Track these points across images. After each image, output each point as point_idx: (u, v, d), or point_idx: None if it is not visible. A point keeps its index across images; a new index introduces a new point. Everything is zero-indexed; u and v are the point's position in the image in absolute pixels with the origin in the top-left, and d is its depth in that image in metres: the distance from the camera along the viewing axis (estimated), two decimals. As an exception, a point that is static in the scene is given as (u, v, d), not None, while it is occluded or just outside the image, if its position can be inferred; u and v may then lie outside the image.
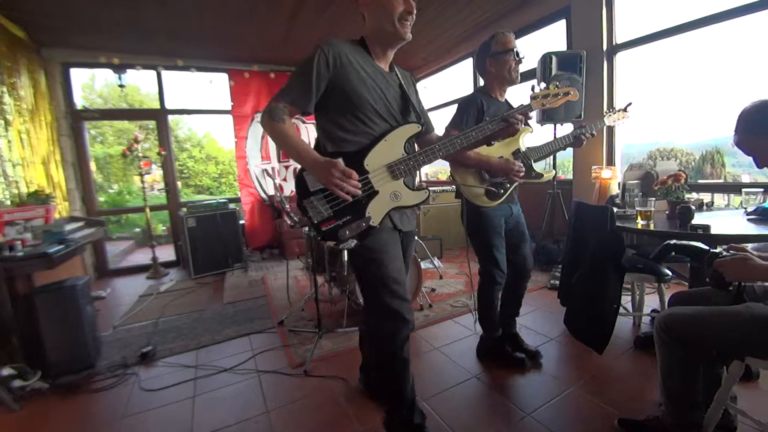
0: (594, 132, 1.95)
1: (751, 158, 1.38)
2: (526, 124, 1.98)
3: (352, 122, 1.31)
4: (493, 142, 1.79)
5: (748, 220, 1.89)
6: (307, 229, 2.73)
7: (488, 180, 1.89)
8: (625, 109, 2.05)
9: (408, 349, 1.43)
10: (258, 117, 5.03)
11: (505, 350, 2.09)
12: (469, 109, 1.87)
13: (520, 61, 1.89)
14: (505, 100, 2.01)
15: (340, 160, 1.23)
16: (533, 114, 3.42)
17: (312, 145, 1.35)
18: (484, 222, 1.92)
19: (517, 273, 2.07)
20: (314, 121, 1.39)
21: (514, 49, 1.86)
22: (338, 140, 1.32)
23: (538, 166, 1.99)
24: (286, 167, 5.45)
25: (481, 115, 1.87)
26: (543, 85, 1.41)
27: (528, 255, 2.08)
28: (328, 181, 1.20)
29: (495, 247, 1.94)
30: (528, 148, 1.97)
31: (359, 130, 1.32)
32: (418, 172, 1.83)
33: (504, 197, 1.91)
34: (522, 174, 1.86)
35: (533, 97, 1.47)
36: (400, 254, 1.44)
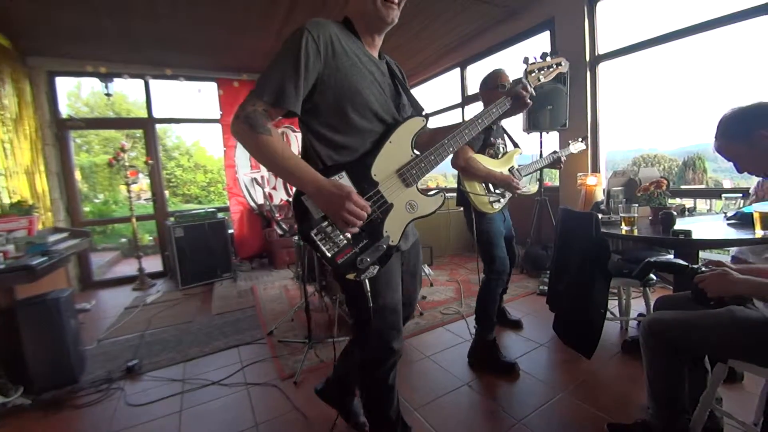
0: (565, 157, 2.44)
1: (731, 163, 1.42)
2: (515, 143, 2.44)
3: (350, 124, 1.10)
4: (500, 156, 2.30)
5: (728, 224, 1.94)
6: (296, 237, 2.72)
7: (492, 191, 2.21)
8: (581, 140, 2.59)
9: (395, 376, 1.35)
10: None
11: (495, 356, 2.15)
12: (486, 136, 2.25)
13: None
14: (500, 124, 2.42)
15: (350, 184, 1.06)
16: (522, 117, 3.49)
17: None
18: (491, 226, 2.20)
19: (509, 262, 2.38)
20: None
21: (507, 86, 2.16)
22: (335, 148, 1.11)
23: (524, 181, 2.38)
24: (276, 176, 5.43)
25: (488, 137, 2.27)
26: (533, 58, 1.37)
27: (515, 249, 2.50)
28: (336, 213, 1.00)
29: (499, 247, 2.20)
30: (520, 165, 2.35)
31: (360, 133, 1.12)
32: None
33: (503, 205, 2.25)
34: (520, 187, 2.21)
35: (529, 72, 1.37)
36: (400, 279, 1.30)
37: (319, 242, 1.06)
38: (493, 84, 2.24)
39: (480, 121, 1.26)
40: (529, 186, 2.43)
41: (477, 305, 2.22)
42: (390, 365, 1.30)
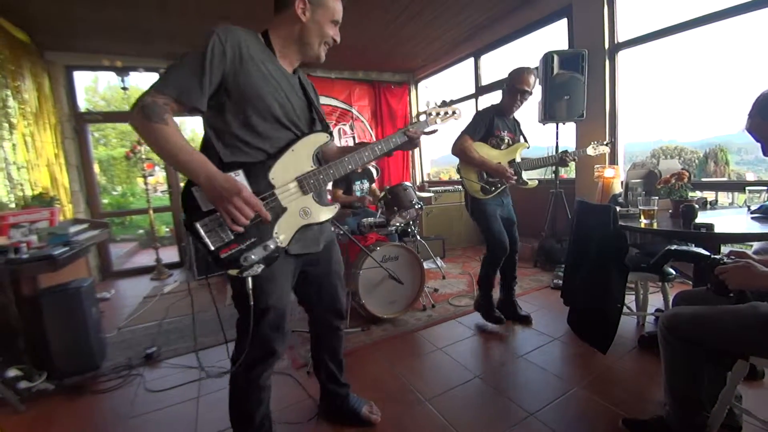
0: (576, 157, 2.50)
1: (758, 147, 1.35)
2: (525, 138, 2.54)
3: (251, 127, 1.13)
4: (503, 147, 2.41)
5: (752, 218, 1.88)
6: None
7: (485, 179, 2.40)
8: (606, 144, 2.53)
9: (269, 377, 1.34)
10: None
11: (492, 310, 2.53)
12: (481, 122, 2.37)
13: (526, 99, 2.38)
14: (513, 117, 2.51)
15: (244, 181, 1.08)
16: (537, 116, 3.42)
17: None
18: (483, 209, 2.42)
19: (512, 249, 2.53)
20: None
21: (526, 90, 2.32)
22: (235, 148, 1.13)
23: (529, 175, 2.53)
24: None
25: (491, 128, 2.38)
26: (433, 103, 1.53)
27: (515, 234, 2.56)
28: (224, 208, 1.01)
29: (494, 227, 2.41)
30: (522, 159, 2.45)
31: (260, 137, 1.15)
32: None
33: (495, 194, 2.42)
34: (513, 179, 2.36)
35: (428, 114, 1.51)
36: (289, 285, 1.32)
37: (204, 234, 1.07)
38: (512, 85, 2.33)
39: (379, 147, 1.35)
40: (528, 180, 2.48)
41: (480, 273, 2.54)
42: (267, 366, 1.31)
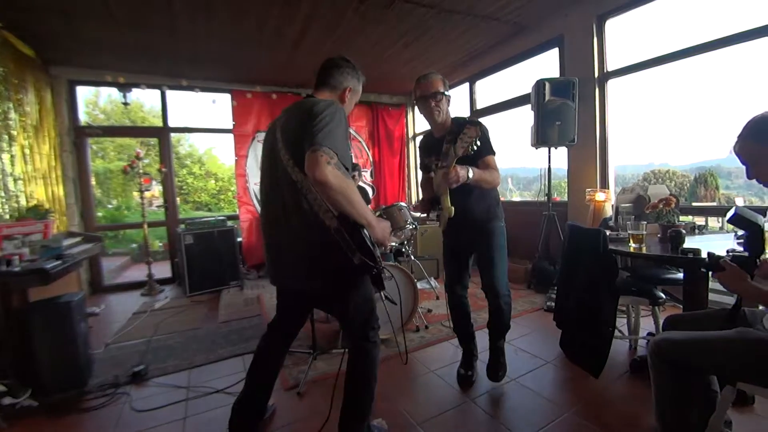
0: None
1: (743, 179, 1.41)
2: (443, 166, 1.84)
3: None
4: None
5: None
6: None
7: (437, 208, 1.99)
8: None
9: None
10: (259, 136, 5.10)
11: (459, 366, 2.20)
12: (420, 155, 2.23)
13: (437, 104, 1.94)
14: (445, 135, 1.92)
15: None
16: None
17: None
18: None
19: (488, 298, 2.09)
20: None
21: (422, 96, 1.96)
22: None
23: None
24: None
25: (424, 158, 2.15)
26: None
27: (490, 278, 2.03)
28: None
29: (445, 265, 2.29)
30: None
31: None
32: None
33: (443, 221, 1.97)
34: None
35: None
36: None
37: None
38: (417, 93, 2.00)
39: None
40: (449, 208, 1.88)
41: None
42: None
